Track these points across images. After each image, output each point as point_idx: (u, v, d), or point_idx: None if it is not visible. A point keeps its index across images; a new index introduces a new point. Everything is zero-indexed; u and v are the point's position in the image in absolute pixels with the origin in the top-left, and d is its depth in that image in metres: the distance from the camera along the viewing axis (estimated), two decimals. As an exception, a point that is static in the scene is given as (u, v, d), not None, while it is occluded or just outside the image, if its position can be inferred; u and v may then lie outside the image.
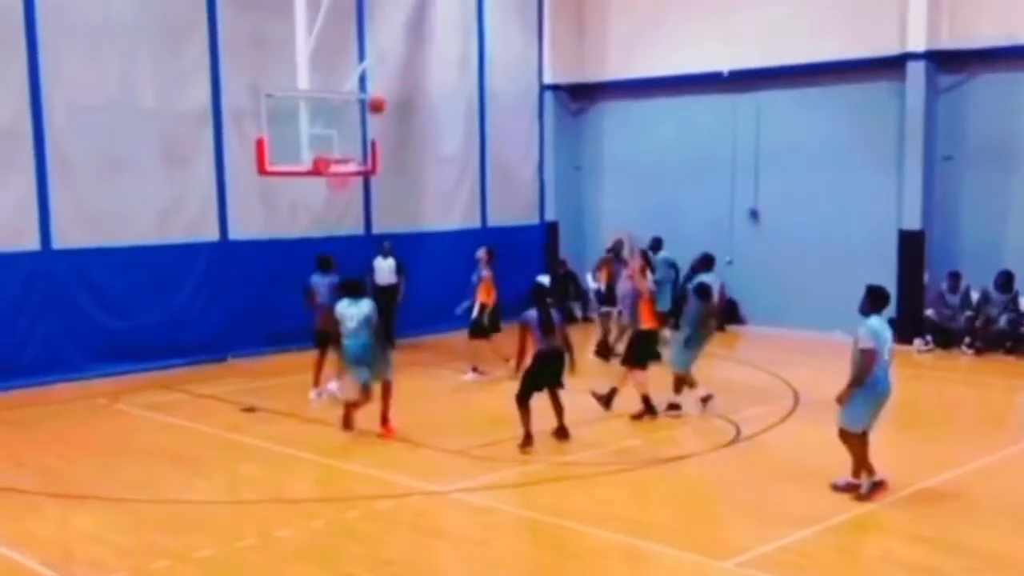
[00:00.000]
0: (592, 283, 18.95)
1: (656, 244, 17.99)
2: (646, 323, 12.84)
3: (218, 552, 8.29)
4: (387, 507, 9.36)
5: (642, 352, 12.76)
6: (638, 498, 9.76)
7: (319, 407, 13.45)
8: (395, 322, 17.49)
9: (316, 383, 13.79)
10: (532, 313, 11.30)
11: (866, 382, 9.35)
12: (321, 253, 14.35)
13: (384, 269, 17.72)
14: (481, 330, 15.17)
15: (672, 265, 17.96)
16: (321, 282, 13.77)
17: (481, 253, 15.50)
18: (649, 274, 13.62)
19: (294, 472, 10.87)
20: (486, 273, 15.26)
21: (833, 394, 11.18)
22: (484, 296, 15.16)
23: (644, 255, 14.08)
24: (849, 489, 9.52)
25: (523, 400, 11.14)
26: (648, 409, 12.51)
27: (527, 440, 11.06)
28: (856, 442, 9.52)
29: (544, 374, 11.23)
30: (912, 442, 11.78)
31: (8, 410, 13.49)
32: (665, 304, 16.61)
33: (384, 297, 16.95)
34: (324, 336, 13.36)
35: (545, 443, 11.41)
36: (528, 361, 11.27)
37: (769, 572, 7.77)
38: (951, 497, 9.63)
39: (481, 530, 8.93)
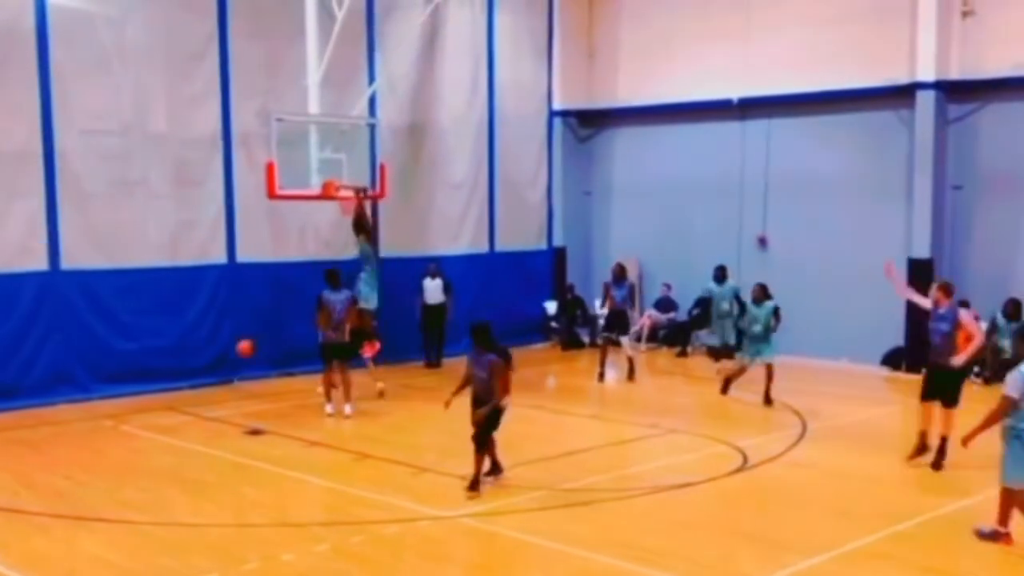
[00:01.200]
0: (599, 310, 18.94)
1: (721, 273, 17.43)
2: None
3: (222, 575, 8.26)
4: (393, 532, 9.33)
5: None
6: (643, 525, 9.70)
7: (331, 424, 13.79)
8: (444, 342, 18.42)
9: (329, 397, 14.37)
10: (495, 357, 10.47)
11: (1013, 428, 8.71)
12: (331, 269, 14.69)
13: (432, 289, 18.20)
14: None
15: (737, 296, 17.21)
16: (336, 298, 14.28)
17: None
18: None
19: (300, 496, 10.85)
20: None
21: (840, 421, 11.17)
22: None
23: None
24: (996, 538, 8.93)
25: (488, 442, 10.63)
26: (923, 447, 11.45)
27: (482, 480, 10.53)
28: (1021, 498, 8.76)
29: (497, 418, 10.67)
30: (920, 471, 11.70)
31: (15, 430, 13.51)
32: (730, 337, 16.72)
33: (433, 316, 17.90)
34: (331, 350, 14.31)
35: (550, 470, 11.38)
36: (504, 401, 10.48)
37: (776, 601, 7.73)
38: (958, 528, 9.55)
39: (486, 556, 8.90)
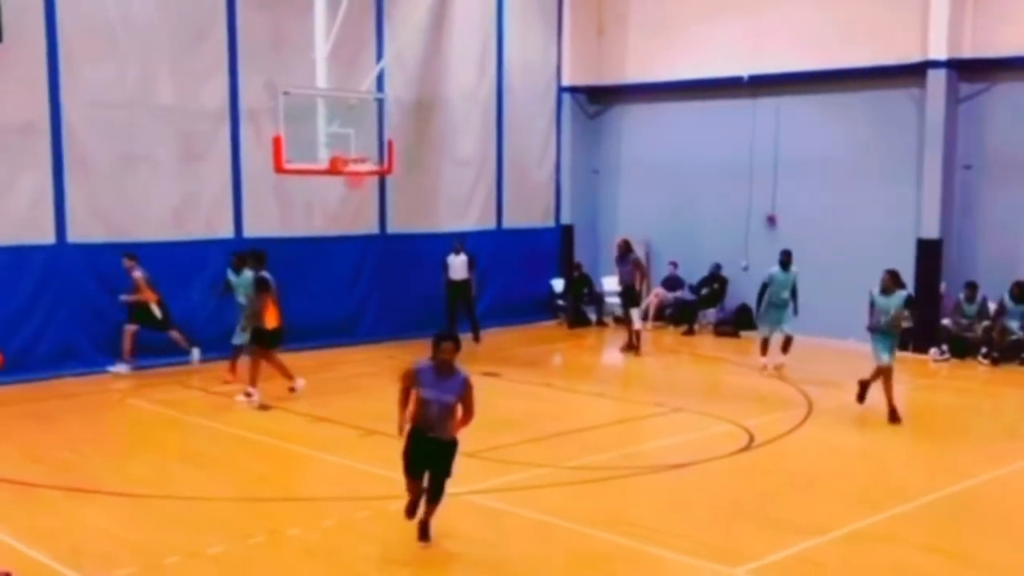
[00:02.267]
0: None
1: (787, 259, 15.71)
2: None
3: (228, 549, 8.30)
4: (398, 508, 9.32)
5: None
6: (648, 503, 9.73)
7: (339, 401, 13.68)
8: (476, 315, 18.54)
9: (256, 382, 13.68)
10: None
11: None
12: (255, 251, 14.21)
13: (457, 265, 18.31)
14: (156, 323, 15.39)
15: (794, 283, 15.79)
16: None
17: (126, 262, 15.11)
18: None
19: (306, 471, 10.89)
20: (138, 275, 15.06)
21: (846, 401, 11.11)
22: (148, 295, 15.19)
23: None
24: None
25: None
26: None
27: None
28: None
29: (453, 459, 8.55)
30: (926, 452, 11.71)
31: (21, 403, 13.55)
32: (780, 326, 15.70)
33: (459, 291, 18.08)
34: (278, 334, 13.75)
35: (555, 447, 11.39)
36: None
37: (779, 581, 7.75)
38: (964, 508, 9.57)
39: (491, 532, 8.91)
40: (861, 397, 13.13)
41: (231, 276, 14.78)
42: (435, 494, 8.26)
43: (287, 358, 16.40)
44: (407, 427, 8.21)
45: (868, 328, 13.03)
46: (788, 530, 8.79)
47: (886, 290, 12.90)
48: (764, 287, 15.88)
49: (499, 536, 8.83)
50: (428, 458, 8.15)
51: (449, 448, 8.18)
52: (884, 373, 12.74)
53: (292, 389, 13.85)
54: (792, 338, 15.84)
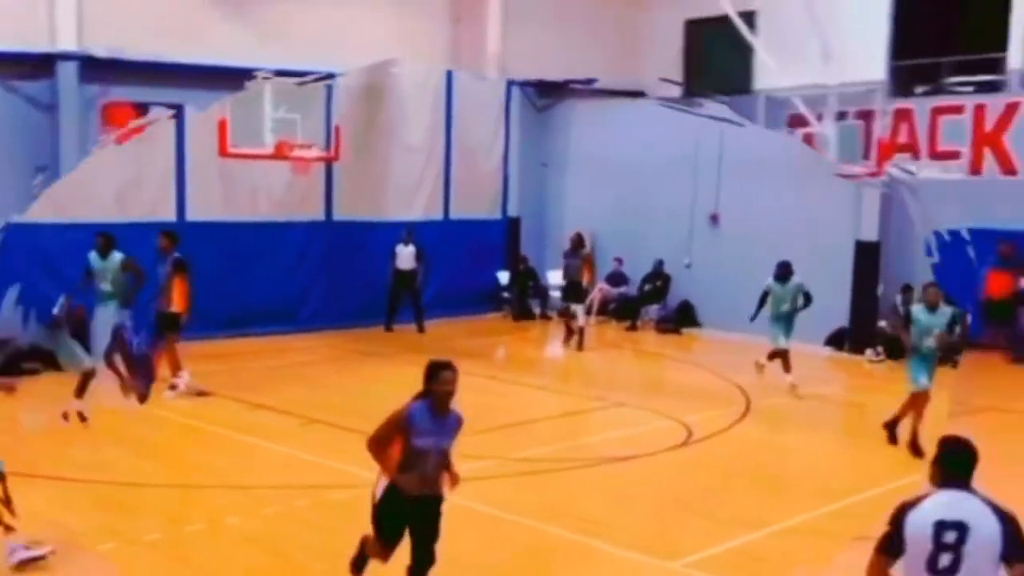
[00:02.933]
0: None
1: (784, 271, 14.42)
2: None
3: (165, 536, 8.24)
4: (340, 497, 9.31)
5: None
6: (590, 496, 9.80)
7: (280, 389, 13.44)
8: (422, 306, 18.48)
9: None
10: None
11: None
12: (169, 231, 13.50)
13: (404, 255, 18.32)
14: None
15: (805, 293, 14.33)
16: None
17: None
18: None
19: (246, 458, 10.79)
20: None
21: (783, 399, 11.28)
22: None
23: None
24: None
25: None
26: None
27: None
28: None
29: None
30: (860, 451, 11.93)
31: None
32: (781, 339, 14.25)
33: (404, 281, 18.15)
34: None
35: (499, 440, 11.43)
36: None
37: (717, 574, 7.86)
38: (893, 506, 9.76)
39: (434, 523, 8.92)
40: (892, 438, 11.64)
41: (95, 261, 12.98)
42: (426, 561, 6.59)
43: (230, 344, 16.36)
44: (384, 483, 6.46)
45: (908, 349, 11.56)
46: (727, 524, 8.92)
47: (933, 305, 11.30)
48: (765, 294, 14.47)
49: (445, 528, 8.80)
50: (417, 521, 6.52)
51: (440, 505, 6.61)
52: (920, 399, 11.41)
53: (173, 387, 12.94)
54: (787, 352, 14.26)
